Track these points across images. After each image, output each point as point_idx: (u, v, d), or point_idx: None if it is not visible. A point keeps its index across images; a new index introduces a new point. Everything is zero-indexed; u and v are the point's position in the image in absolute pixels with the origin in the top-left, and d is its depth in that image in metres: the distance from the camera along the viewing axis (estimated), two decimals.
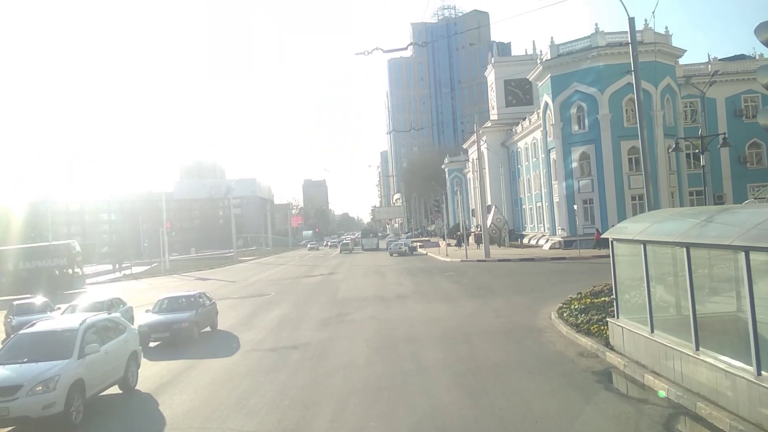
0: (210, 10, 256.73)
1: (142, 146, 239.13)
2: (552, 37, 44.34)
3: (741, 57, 48.62)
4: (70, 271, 42.49)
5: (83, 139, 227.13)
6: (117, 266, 65.05)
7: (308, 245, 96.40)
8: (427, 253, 53.82)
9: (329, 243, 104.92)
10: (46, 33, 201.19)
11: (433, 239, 73.72)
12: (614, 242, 11.56)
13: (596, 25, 44.02)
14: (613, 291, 11.83)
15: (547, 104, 45.67)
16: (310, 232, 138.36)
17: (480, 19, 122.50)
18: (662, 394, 8.61)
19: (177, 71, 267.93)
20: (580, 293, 17.02)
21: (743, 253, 7.18)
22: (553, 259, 36.08)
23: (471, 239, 56.02)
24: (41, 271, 40.69)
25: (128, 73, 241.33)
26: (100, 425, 9.57)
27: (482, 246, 44.08)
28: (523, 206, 59.72)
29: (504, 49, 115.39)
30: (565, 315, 14.67)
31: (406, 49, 29.28)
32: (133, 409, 10.34)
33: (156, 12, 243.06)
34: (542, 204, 51.70)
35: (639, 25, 32.85)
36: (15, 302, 21.31)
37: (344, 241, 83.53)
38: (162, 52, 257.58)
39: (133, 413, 10.13)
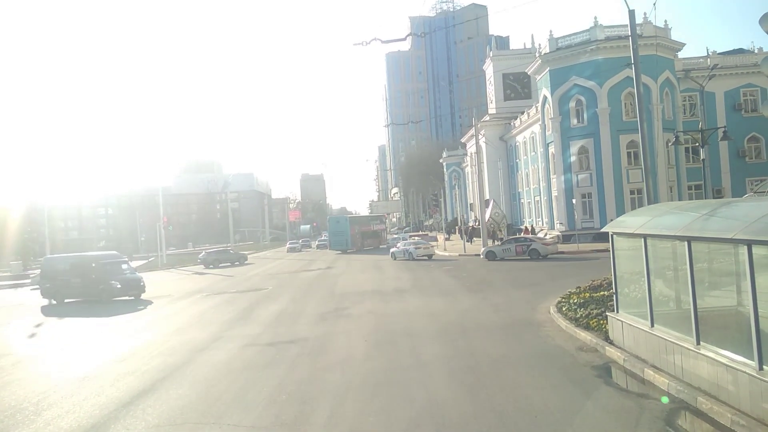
0: (207, 5, 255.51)
1: (139, 142, 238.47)
2: (551, 31, 44.24)
3: (740, 51, 48.56)
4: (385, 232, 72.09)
5: (81, 134, 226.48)
6: None
7: (288, 244, 76.54)
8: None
9: (317, 243, 78.41)
10: (47, 29, 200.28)
11: (431, 234, 73.64)
12: (614, 236, 11.48)
13: (595, 18, 43.91)
14: (613, 285, 11.75)
15: (545, 98, 45.57)
16: (308, 226, 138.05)
17: (478, 13, 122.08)
18: (665, 399, 8.47)
19: (174, 66, 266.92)
20: (579, 287, 16.98)
21: (745, 247, 7.11)
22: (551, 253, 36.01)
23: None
24: (376, 233, 66.24)
25: (125, 69, 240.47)
26: None
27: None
28: (522, 200, 59.71)
29: (502, 42, 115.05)
30: (564, 309, 14.61)
31: (404, 39, 28.97)
32: None
33: (153, 7, 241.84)
34: (540, 198, 51.68)
35: (638, 19, 32.77)
36: None
37: None
38: (158, 48, 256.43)
39: None
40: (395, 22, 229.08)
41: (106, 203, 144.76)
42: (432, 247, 42.91)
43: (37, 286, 32.53)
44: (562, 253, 34.74)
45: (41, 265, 32.91)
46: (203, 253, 57.17)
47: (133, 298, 27.70)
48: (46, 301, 29.86)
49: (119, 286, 27.50)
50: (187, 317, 20.95)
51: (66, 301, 28.96)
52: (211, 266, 51.27)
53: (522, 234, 45.32)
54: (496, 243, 40.45)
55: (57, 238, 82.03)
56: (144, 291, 28.33)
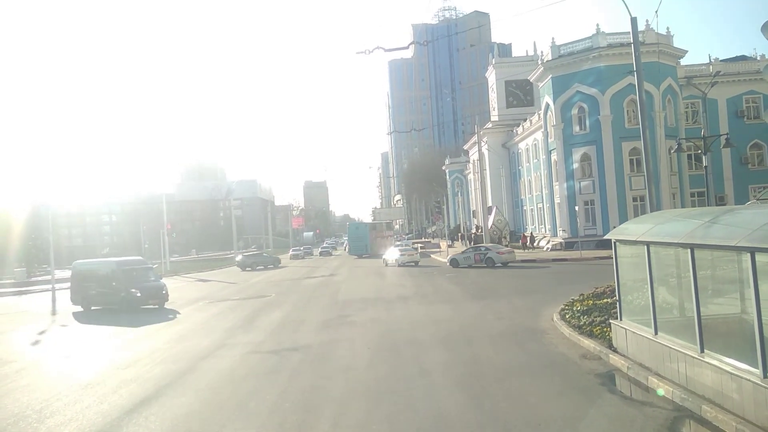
0: (211, 12, 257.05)
1: (143, 148, 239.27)
2: (553, 38, 44.41)
3: (742, 58, 48.59)
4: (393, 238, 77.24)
5: (84, 140, 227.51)
6: None
7: (291, 251, 76.56)
8: (429, 255, 53.69)
9: (320, 250, 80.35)
10: (49, 33, 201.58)
11: (433, 241, 73.57)
12: (617, 243, 11.48)
13: (597, 25, 44.26)
14: (616, 292, 11.74)
15: (548, 105, 45.63)
16: (311, 233, 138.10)
17: (480, 20, 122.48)
18: (661, 392, 8.54)
19: (177, 73, 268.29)
20: (582, 295, 16.91)
21: (748, 255, 7.11)
22: (554, 260, 35.98)
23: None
24: (387, 238, 70.76)
25: (129, 75, 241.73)
26: None
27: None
28: (524, 207, 59.66)
29: (505, 50, 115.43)
30: (567, 317, 14.58)
31: (407, 47, 29.28)
32: None
33: (156, 13, 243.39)
34: (543, 205, 51.65)
35: (640, 26, 32.89)
36: None
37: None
38: (162, 54, 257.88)
39: None
40: (398, 30, 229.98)
41: (110, 210, 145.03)
42: (417, 254, 45.15)
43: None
44: (524, 261, 36.85)
45: (71, 269, 30.61)
46: (240, 256, 59.27)
47: (157, 306, 26.15)
48: (48, 309, 29.90)
49: (139, 294, 25.58)
50: (190, 324, 20.92)
51: (93, 308, 27.48)
52: (248, 269, 52.92)
53: (520, 241, 46.35)
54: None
55: (61, 244, 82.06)
56: (167, 299, 26.74)
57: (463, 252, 38.30)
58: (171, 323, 21.73)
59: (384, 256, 46.32)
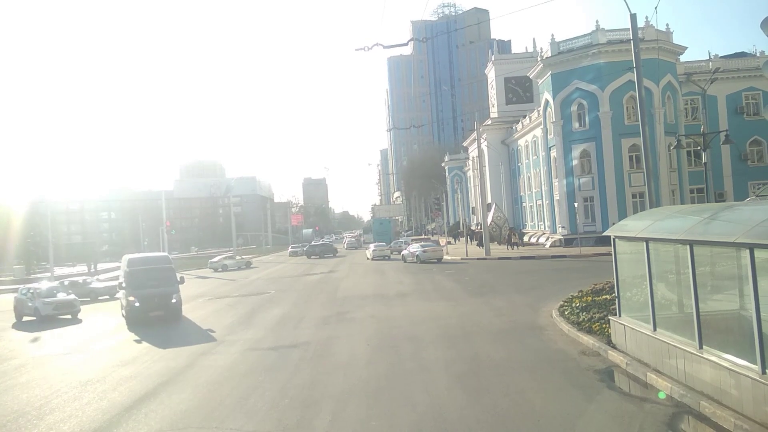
0: (210, 8, 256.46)
1: (143, 144, 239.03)
2: (552, 35, 44.33)
3: (741, 54, 48.57)
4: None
5: (83, 137, 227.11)
6: (93, 268, 59.78)
7: (290, 248, 74.38)
8: None
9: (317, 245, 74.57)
10: (47, 29, 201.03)
11: (432, 237, 73.61)
12: (616, 240, 11.48)
13: (597, 22, 44.09)
14: (615, 289, 11.75)
15: (547, 102, 45.58)
16: (310, 230, 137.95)
17: (480, 17, 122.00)
18: (662, 395, 8.55)
19: (176, 69, 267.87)
20: (581, 291, 16.94)
21: (747, 251, 7.11)
22: (553, 257, 36.01)
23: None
24: (399, 233, 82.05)
25: (128, 72, 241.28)
26: None
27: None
28: (524, 204, 59.67)
29: (504, 46, 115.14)
30: (566, 313, 14.59)
31: (406, 44, 29.15)
32: None
33: (155, 9, 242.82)
34: (543, 202, 51.65)
35: (640, 23, 32.85)
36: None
37: (350, 239, 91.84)
38: (161, 50, 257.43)
39: None
40: (397, 27, 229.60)
41: (109, 207, 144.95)
42: (387, 249, 51.50)
43: None
44: (450, 258, 40.92)
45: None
46: (307, 246, 68.06)
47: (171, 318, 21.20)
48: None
49: (137, 304, 20.47)
50: (188, 322, 20.91)
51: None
52: (315, 257, 61.24)
53: (506, 238, 47.70)
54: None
55: (60, 242, 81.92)
56: (179, 309, 21.44)
57: (408, 250, 43.36)
58: (167, 320, 21.60)
59: (366, 252, 52.70)
